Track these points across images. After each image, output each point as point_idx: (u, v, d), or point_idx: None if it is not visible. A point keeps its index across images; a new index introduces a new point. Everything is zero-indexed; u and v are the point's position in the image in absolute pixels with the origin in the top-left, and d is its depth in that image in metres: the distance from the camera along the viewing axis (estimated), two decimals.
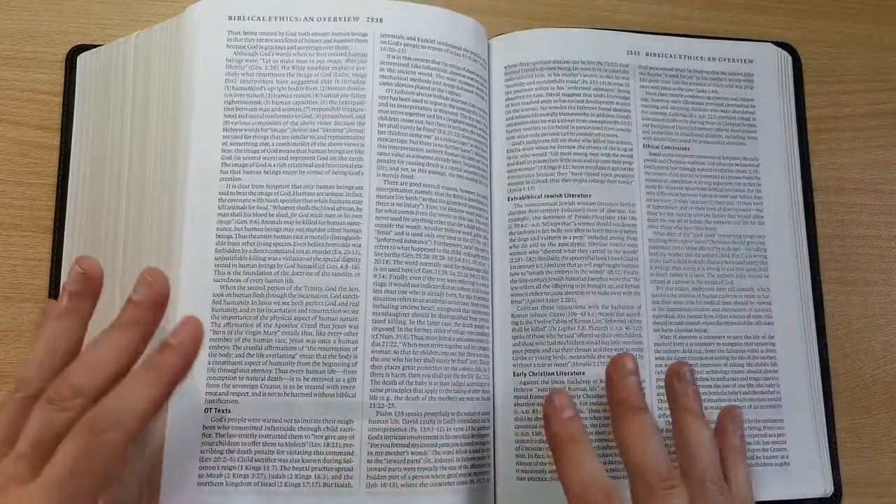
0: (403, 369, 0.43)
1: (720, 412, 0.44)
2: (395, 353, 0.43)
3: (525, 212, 0.48)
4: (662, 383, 0.46)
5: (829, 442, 0.48)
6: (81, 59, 0.50)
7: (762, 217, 0.50)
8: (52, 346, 0.36)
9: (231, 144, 0.44)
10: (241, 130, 0.45)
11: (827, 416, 0.48)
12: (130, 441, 0.34)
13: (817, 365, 0.49)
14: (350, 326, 0.43)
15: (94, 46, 0.50)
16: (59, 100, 0.49)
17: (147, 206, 0.45)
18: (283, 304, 0.43)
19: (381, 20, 0.47)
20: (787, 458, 0.47)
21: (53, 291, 0.47)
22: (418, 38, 0.47)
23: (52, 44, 0.50)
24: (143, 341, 0.37)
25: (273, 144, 0.45)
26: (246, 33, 0.46)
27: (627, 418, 0.40)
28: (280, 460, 0.41)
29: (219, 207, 0.44)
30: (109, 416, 0.33)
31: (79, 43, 0.50)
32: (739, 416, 0.44)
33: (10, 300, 0.47)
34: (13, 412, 0.35)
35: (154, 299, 0.36)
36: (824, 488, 0.47)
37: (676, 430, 0.41)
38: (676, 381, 0.42)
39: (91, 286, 0.37)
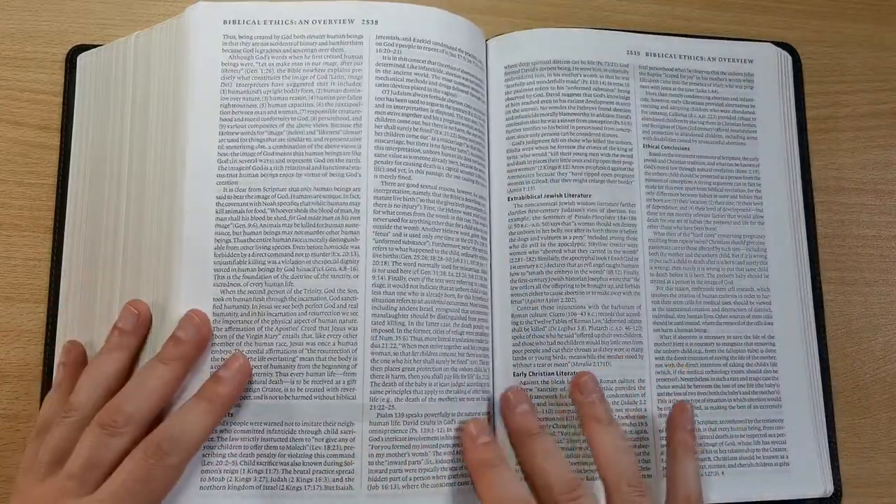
0: (403, 370, 0.43)
1: (672, 407, 0.45)
2: (394, 354, 0.43)
3: (525, 212, 0.48)
4: (662, 383, 0.46)
5: (829, 442, 0.48)
6: (81, 59, 0.50)
7: (762, 217, 0.50)
8: (102, 376, 0.40)
9: (227, 148, 0.44)
10: (237, 134, 0.45)
11: (827, 416, 0.49)
12: (186, 464, 0.39)
13: (817, 365, 0.49)
14: (349, 328, 0.43)
15: (94, 46, 0.50)
16: (59, 100, 0.49)
17: (147, 206, 0.45)
18: (283, 307, 0.43)
19: (375, 22, 0.46)
20: (787, 457, 0.47)
21: (53, 291, 0.47)
22: (413, 40, 0.46)
23: (52, 44, 0.50)
24: (185, 375, 0.41)
25: (269, 147, 0.44)
26: (241, 37, 0.46)
27: (525, 444, 0.42)
28: (281, 463, 0.41)
29: (216, 211, 0.44)
30: (171, 441, 0.38)
31: (79, 43, 0.50)
32: (689, 411, 0.45)
33: (10, 300, 0.47)
34: (61, 435, 0.38)
35: (199, 339, 0.41)
36: (824, 488, 0.47)
37: (588, 440, 0.43)
38: (579, 392, 0.44)
39: (141, 326, 0.42)
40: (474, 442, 0.41)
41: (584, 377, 0.44)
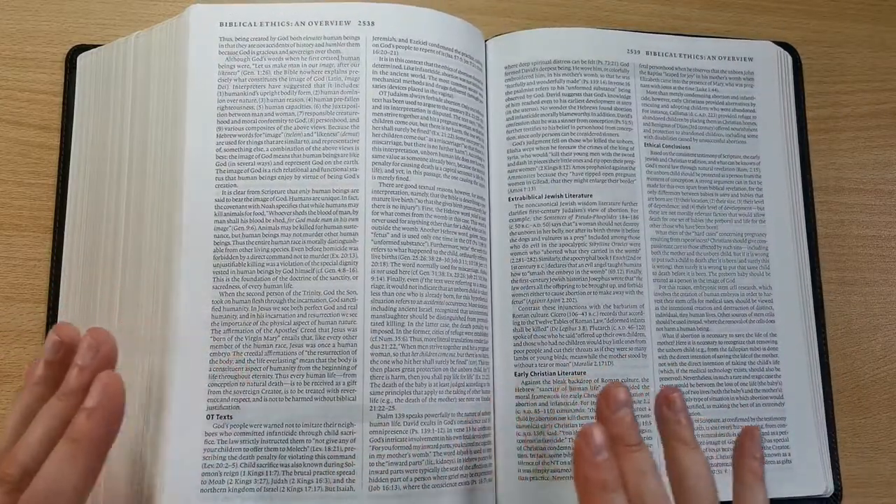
0: (403, 371, 0.43)
1: (741, 431, 0.41)
2: (394, 355, 0.43)
3: (526, 212, 0.48)
4: (666, 382, 0.46)
5: (830, 441, 0.48)
6: (81, 59, 0.50)
7: (763, 214, 0.50)
8: (25, 416, 0.35)
9: (225, 150, 0.44)
10: (234, 136, 0.45)
11: (827, 416, 0.48)
12: None
13: (818, 363, 0.49)
14: (349, 330, 0.43)
15: (94, 46, 0.50)
16: (59, 100, 0.49)
17: (147, 207, 0.45)
18: (283, 309, 0.43)
19: (372, 23, 0.47)
20: (790, 455, 0.47)
21: (53, 291, 0.47)
22: (410, 41, 0.47)
23: (52, 44, 0.50)
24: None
25: (267, 150, 0.45)
26: (238, 39, 0.46)
27: (620, 456, 0.37)
28: (282, 465, 0.41)
29: (215, 214, 0.44)
30: (40, 501, 0.31)
31: (79, 43, 0.50)
32: (758, 437, 0.40)
33: (10, 300, 0.47)
34: None
35: (101, 359, 0.35)
36: (825, 487, 0.47)
37: (669, 461, 0.39)
38: (667, 408, 0.39)
39: (67, 355, 0.35)
40: (593, 457, 0.35)
41: (674, 394, 0.39)
